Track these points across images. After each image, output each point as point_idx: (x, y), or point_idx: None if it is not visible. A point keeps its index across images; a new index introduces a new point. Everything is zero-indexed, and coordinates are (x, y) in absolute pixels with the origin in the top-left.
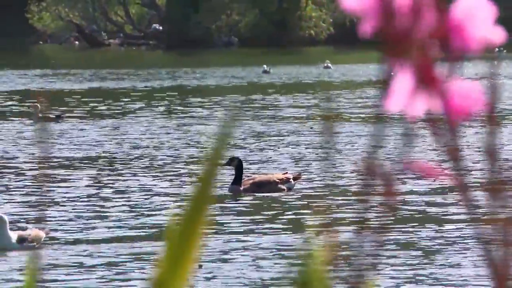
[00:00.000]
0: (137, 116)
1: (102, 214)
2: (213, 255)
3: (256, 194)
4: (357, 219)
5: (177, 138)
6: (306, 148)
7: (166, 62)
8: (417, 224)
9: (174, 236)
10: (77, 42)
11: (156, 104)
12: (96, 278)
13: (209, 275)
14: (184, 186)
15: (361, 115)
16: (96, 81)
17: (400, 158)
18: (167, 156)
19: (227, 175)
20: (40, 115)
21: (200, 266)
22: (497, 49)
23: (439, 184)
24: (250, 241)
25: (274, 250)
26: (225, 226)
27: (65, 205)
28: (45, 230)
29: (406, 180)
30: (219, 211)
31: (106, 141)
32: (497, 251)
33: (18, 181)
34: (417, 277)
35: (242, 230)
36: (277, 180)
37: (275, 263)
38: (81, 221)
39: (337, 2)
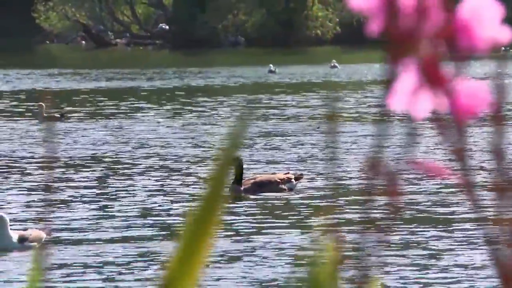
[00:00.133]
0: (143, 115)
1: (108, 213)
2: (215, 255)
3: (257, 194)
4: (363, 219)
5: (183, 138)
6: (312, 147)
7: (172, 62)
8: (423, 224)
9: (186, 235)
10: (83, 42)
11: (163, 104)
12: (102, 279)
13: (213, 275)
14: (190, 186)
15: (367, 115)
16: (102, 81)
17: (406, 158)
18: (173, 155)
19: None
20: (45, 114)
21: (208, 266)
22: (503, 48)
23: (446, 184)
24: (250, 241)
25: (277, 250)
26: (225, 226)
27: (70, 205)
28: (46, 230)
29: (412, 180)
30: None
31: (112, 140)
32: (504, 251)
33: (23, 181)
34: (423, 277)
35: (242, 230)
36: (279, 180)
37: (278, 264)
38: (86, 220)
39: (344, 1)
